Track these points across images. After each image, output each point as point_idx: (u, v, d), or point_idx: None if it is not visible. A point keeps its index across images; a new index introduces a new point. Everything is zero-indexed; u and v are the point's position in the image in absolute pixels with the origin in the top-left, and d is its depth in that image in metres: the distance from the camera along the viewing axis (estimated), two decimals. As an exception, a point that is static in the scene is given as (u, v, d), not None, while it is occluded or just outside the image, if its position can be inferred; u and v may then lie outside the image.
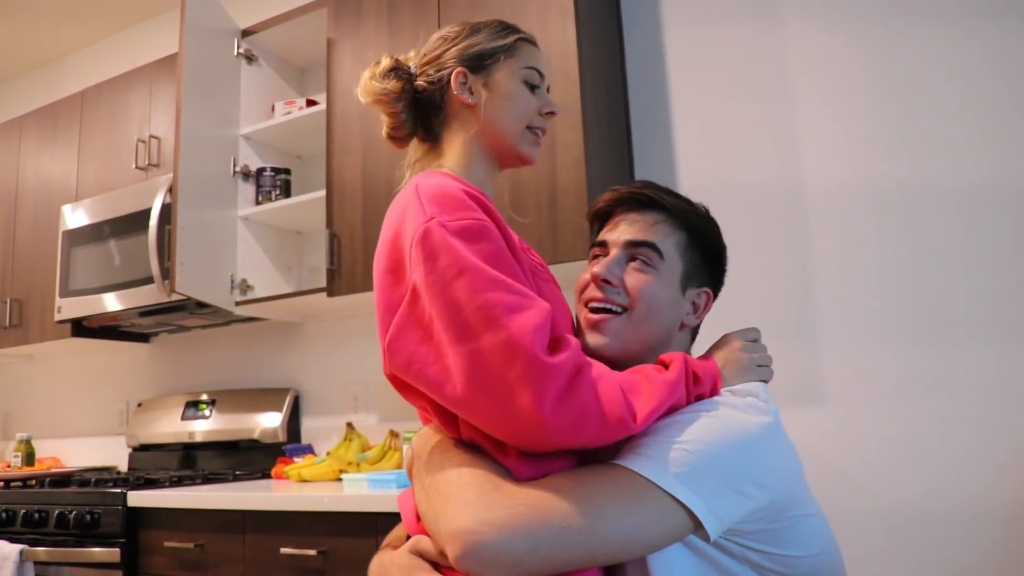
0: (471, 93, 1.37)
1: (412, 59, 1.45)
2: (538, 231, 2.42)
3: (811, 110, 2.50)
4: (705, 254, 1.30)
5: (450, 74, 1.38)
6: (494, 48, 1.40)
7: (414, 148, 1.47)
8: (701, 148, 2.67)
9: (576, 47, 2.43)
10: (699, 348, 1.34)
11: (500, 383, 1.03)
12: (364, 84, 1.43)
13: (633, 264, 1.26)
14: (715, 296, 1.34)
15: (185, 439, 3.55)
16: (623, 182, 1.42)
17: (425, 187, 1.21)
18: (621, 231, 1.31)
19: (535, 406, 1.01)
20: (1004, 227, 2.21)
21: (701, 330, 1.40)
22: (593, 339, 1.26)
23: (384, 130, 1.45)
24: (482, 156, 1.39)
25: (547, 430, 1.03)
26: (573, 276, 2.60)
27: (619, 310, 1.25)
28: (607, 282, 1.26)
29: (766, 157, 2.52)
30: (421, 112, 1.43)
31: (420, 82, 1.41)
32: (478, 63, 1.39)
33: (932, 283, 2.28)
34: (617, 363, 1.19)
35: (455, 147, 1.39)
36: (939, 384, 2.24)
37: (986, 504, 2.12)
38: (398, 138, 1.46)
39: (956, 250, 2.26)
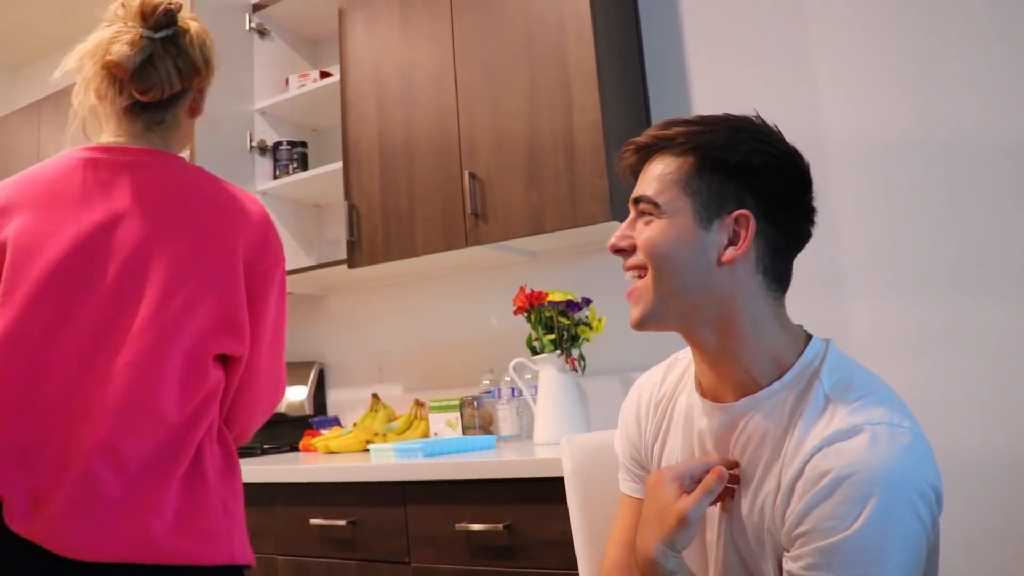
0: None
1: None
2: (557, 195, 2.41)
3: (830, 59, 2.46)
4: (727, 171, 1.11)
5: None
6: None
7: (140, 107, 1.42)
8: (719, 103, 2.62)
9: (590, 7, 2.40)
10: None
11: None
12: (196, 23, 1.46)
13: (641, 220, 1.16)
14: (776, 212, 1.13)
15: (213, 415, 3.56)
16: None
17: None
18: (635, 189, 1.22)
19: None
20: (1030, 175, 2.17)
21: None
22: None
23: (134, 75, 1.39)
24: None
25: None
26: (592, 239, 2.61)
27: (641, 274, 1.16)
28: (618, 250, 1.18)
29: (785, 109, 2.48)
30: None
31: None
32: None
33: (956, 233, 2.24)
34: (661, 325, 1.15)
35: (182, 147, 1.52)
36: (964, 335, 2.21)
37: (1011, 458, 2.10)
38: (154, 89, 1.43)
39: (980, 199, 2.22)
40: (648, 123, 2.71)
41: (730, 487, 1.14)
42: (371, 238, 2.78)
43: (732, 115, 1.16)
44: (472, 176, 2.55)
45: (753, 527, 1.11)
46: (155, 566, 1.20)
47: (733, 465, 1.14)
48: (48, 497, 1.18)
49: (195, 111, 1.50)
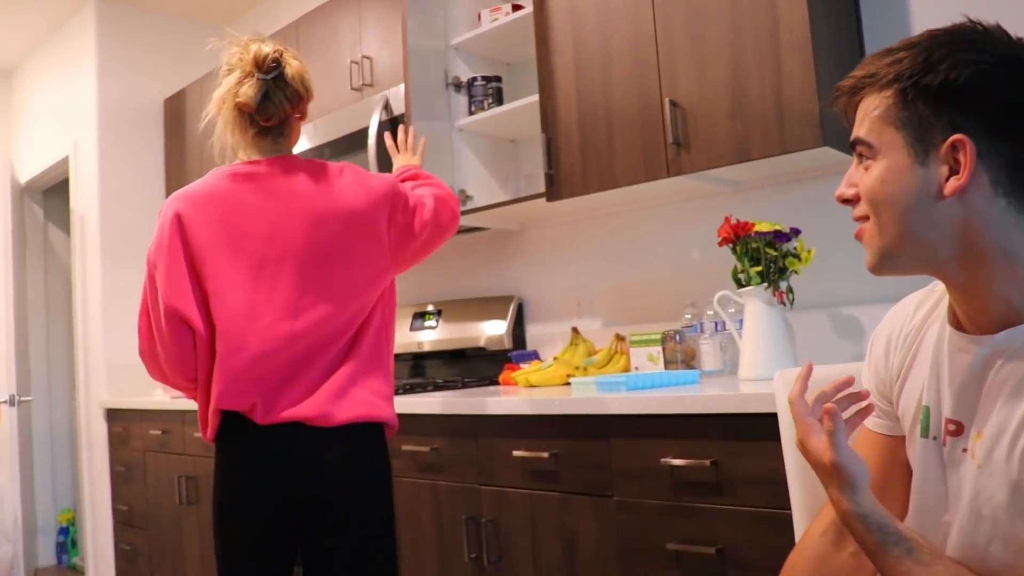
0: None
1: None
2: (763, 121, 2.29)
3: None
4: (930, 96, 1.00)
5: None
6: None
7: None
8: (938, 13, 2.42)
9: (798, -83, 2.24)
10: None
11: None
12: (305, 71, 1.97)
13: (862, 165, 1.08)
14: (1005, 124, 0.98)
15: (414, 349, 3.69)
16: (853, 62, 1.22)
17: None
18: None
19: None
20: None
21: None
22: None
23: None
24: None
25: None
26: (799, 167, 2.48)
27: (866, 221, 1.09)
28: (845, 200, 1.11)
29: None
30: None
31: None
32: None
33: None
34: (898, 269, 1.07)
35: (295, 143, 2.05)
36: None
37: None
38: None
39: None
40: (860, 40, 2.53)
41: (863, 398, 1.19)
42: (570, 171, 2.75)
43: (936, 30, 1.03)
44: (673, 104, 2.46)
45: (1010, 476, 1.01)
46: (360, 424, 1.88)
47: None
48: (302, 394, 1.85)
49: (303, 117, 2.02)
